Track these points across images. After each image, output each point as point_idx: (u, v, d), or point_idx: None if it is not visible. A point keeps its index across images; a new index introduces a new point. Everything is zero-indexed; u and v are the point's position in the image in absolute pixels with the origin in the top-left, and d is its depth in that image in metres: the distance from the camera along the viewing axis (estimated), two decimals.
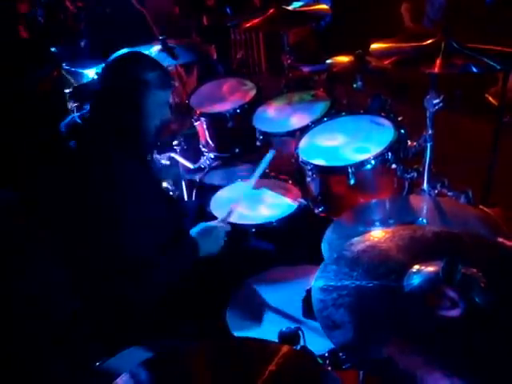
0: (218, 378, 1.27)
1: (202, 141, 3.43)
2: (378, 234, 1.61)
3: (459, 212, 2.26)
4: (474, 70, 1.95)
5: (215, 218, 2.48)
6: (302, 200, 2.64)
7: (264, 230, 2.52)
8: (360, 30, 4.38)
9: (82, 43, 4.57)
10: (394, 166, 2.47)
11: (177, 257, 2.10)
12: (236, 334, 1.87)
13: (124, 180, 1.96)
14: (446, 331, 1.23)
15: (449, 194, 2.43)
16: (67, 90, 3.31)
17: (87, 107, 2.11)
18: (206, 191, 2.94)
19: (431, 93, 2.18)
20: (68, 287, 2.16)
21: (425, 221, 2.19)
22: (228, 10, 5.30)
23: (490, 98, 3.75)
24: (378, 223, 2.23)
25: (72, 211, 1.99)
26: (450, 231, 1.65)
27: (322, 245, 2.14)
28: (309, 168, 2.54)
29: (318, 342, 1.61)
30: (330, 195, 2.58)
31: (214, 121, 3.32)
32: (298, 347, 1.55)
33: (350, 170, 2.41)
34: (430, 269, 1.35)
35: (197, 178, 3.33)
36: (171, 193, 3.19)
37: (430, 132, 2.27)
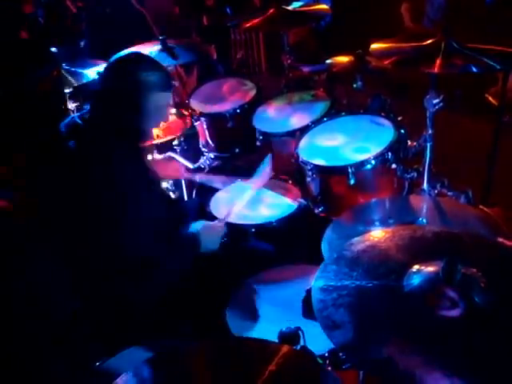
0: (218, 378, 1.27)
1: (202, 141, 3.44)
2: (377, 233, 1.61)
3: (459, 212, 2.26)
4: (474, 70, 1.95)
5: (215, 217, 2.48)
6: (302, 200, 2.64)
7: (264, 230, 2.52)
8: (360, 30, 4.38)
9: (82, 43, 4.57)
10: (394, 165, 2.47)
11: (177, 256, 2.10)
12: (236, 333, 1.87)
13: (124, 180, 1.97)
14: (446, 331, 1.23)
15: (449, 193, 2.43)
16: (67, 90, 3.31)
17: (87, 107, 2.12)
18: (206, 191, 2.93)
19: (431, 93, 2.18)
20: (68, 287, 2.16)
21: (425, 221, 2.19)
22: (228, 10, 5.30)
23: (490, 98, 3.76)
24: (377, 223, 2.23)
25: (72, 211, 1.99)
26: (449, 231, 1.65)
27: (322, 245, 2.14)
28: (309, 168, 2.54)
29: (317, 342, 1.61)
30: (330, 195, 2.58)
31: (214, 121, 3.32)
32: (298, 347, 1.56)
33: (350, 170, 2.41)
34: (430, 269, 1.35)
35: (197, 177, 3.33)
36: (171, 193, 3.19)
37: (429, 132, 2.27)
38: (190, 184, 3.37)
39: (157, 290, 2.05)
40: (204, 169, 3.38)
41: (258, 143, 3.01)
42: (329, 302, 1.35)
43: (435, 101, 2.18)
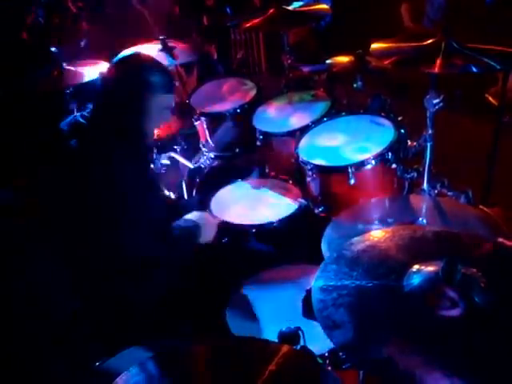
0: (218, 378, 1.27)
1: (203, 140, 3.44)
2: (377, 233, 1.60)
3: (459, 212, 2.26)
4: (474, 70, 1.94)
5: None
6: (303, 200, 2.64)
7: (264, 230, 2.52)
8: (360, 30, 4.38)
9: (82, 43, 4.57)
10: (394, 165, 2.47)
11: (175, 252, 2.10)
12: (236, 333, 1.87)
13: (124, 180, 1.97)
14: (446, 331, 1.23)
15: (449, 193, 2.43)
16: (67, 90, 3.31)
17: (90, 107, 2.11)
18: (207, 190, 2.94)
19: (431, 93, 2.18)
20: (68, 287, 2.16)
21: (425, 221, 2.19)
22: (228, 10, 5.30)
23: (490, 98, 3.76)
24: (377, 223, 2.23)
25: (72, 211, 1.99)
26: (449, 231, 1.65)
27: (322, 244, 2.14)
28: (309, 168, 2.54)
29: (317, 342, 1.61)
30: (330, 195, 2.58)
31: (214, 120, 3.32)
32: (298, 347, 1.56)
33: (350, 170, 2.41)
34: (430, 269, 1.35)
35: (197, 177, 3.34)
36: (171, 193, 3.19)
37: (429, 132, 2.26)
38: (190, 184, 3.38)
39: (157, 289, 2.05)
40: (204, 168, 3.38)
41: (258, 143, 3.01)
42: (329, 301, 1.35)
43: (435, 101, 2.18)
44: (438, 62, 1.99)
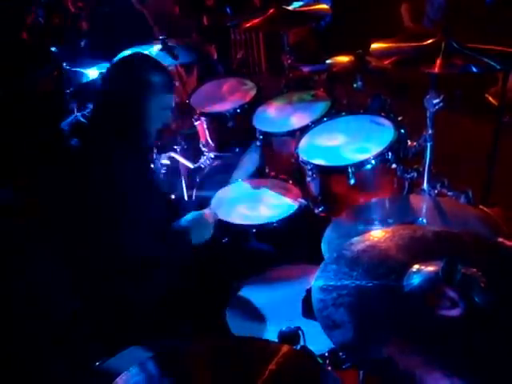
0: (218, 377, 1.27)
1: (202, 140, 3.44)
2: (377, 233, 1.60)
3: (459, 212, 2.26)
4: (474, 70, 1.94)
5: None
6: (303, 200, 2.64)
7: (264, 230, 2.52)
8: (360, 30, 4.38)
9: (82, 43, 4.57)
10: (394, 165, 2.47)
11: (174, 252, 2.10)
12: (236, 333, 1.87)
13: (124, 180, 1.97)
14: (446, 331, 1.23)
15: (449, 193, 2.43)
16: (68, 90, 3.31)
17: (90, 106, 2.12)
18: (206, 190, 2.94)
19: (431, 93, 2.18)
20: (68, 287, 2.16)
21: (425, 221, 2.19)
22: (228, 9, 5.31)
23: (490, 98, 3.76)
24: (377, 223, 2.23)
25: (72, 211, 1.99)
26: (449, 231, 1.65)
27: (322, 244, 2.14)
28: (309, 168, 2.54)
29: (317, 342, 1.61)
30: (330, 195, 2.58)
31: (214, 120, 3.32)
32: (298, 347, 1.56)
33: (350, 170, 2.41)
34: (430, 269, 1.35)
35: (197, 177, 3.34)
36: (171, 193, 3.19)
37: (429, 132, 2.27)
38: (190, 184, 3.38)
39: (157, 289, 2.05)
40: (204, 168, 3.38)
41: (258, 143, 3.01)
42: (329, 301, 1.35)
43: (435, 101, 2.18)
44: (438, 62, 1.99)
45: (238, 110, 3.22)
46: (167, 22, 4.80)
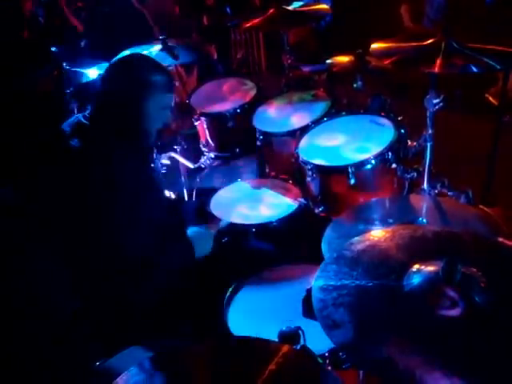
0: (217, 377, 1.27)
1: (203, 140, 3.44)
2: (378, 233, 1.60)
3: (459, 212, 2.26)
4: (474, 69, 1.94)
5: (215, 217, 2.49)
6: (303, 200, 2.64)
7: (264, 229, 2.52)
8: (360, 30, 4.39)
9: (82, 43, 4.57)
10: (394, 165, 2.47)
11: (176, 256, 2.10)
12: (236, 333, 1.87)
13: (124, 180, 1.97)
14: (446, 331, 1.23)
15: (449, 193, 2.43)
16: (68, 90, 3.31)
17: (90, 106, 2.11)
18: (207, 191, 2.94)
19: (431, 93, 2.18)
20: (68, 287, 2.16)
21: (425, 220, 2.19)
22: (228, 9, 5.31)
23: (490, 98, 3.76)
24: (377, 223, 2.23)
25: (72, 211, 1.99)
26: (449, 231, 1.65)
27: (322, 244, 2.14)
28: (309, 168, 2.54)
29: (318, 342, 1.61)
30: (330, 195, 2.58)
31: (215, 120, 3.32)
32: (298, 347, 1.55)
33: (350, 170, 2.41)
34: (430, 268, 1.35)
35: (197, 177, 3.34)
36: (171, 193, 3.19)
37: (429, 132, 2.27)
38: (190, 184, 3.38)
39: (157, 290, 2.05)
40: (204, 168, 3.38)
41: (258, 143, 3.01)
42: (329, 301, 1.35)
43: (435, 101, 2.18)
44: (438, 61, 1.99)
45: (238, 110, 3.22)
46: (167, 21, 4.81)
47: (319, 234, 2.20)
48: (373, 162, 2.43)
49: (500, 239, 1.87)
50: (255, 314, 1.98)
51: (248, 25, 3.36)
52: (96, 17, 4.64)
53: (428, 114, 2.23)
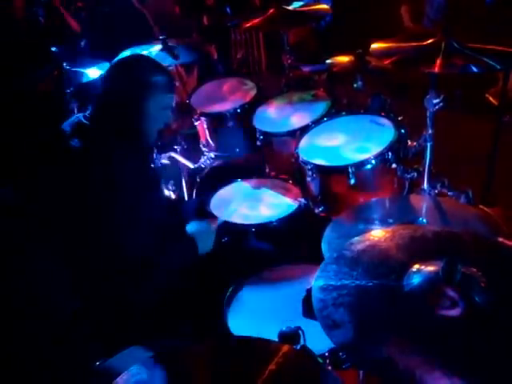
0: (217, 377, 1.27)
1: (203, 140, 3.44)
2: (378, 233, 1.60)
3: (459, 212, 2.25)
4: (475, 69, 1.94)
5: (215, 217, 2.49)
6: (303, 200, 2.64)
7: (264, 229, 2.52)
8: (360, 30, 4.39)
9: (82, 43, 4.57)
10: (394, 165, 2.47)
11: (176, 256, 2.10)
12: (236, 333, 1.87)
13: (124, 180, 1.96)
14: (446, 331, 1.23)
15: (449, 193, 2.43)
16: (68, 90, 3.31)
17: (91, 107, 2.11)
18: (207, 191, 2.94)
19: (431, 93, 2.18)
20: (68, 287, 2.16)
21: (425, 220, 2.19)
22: (228, 9, 5.31)
23: (490, 98, 3.76)
24: (378, 223, 2.23)
25: (72, 211, 1.99)
26: (449, 231, 1.64)
27: (322, 244, 2.14)
28: (309, 168, 2.54)
29: (318, 342, 1.61)
30: (330, 195, 2.58)
31: (215, 120, 3.32)
32: (298, 347, 1.55)
33: (350, 170, 2.41)
34: (430, 268, 1.35)
35: (197, 177, 3.34)
36: (172, 193, 3.19)
37: (430, 132, 2.27)
38: (191, 184, 3.38)
39: (157, 290, 2.05)
40: (204, 168, 3.38)
41: (258, 143, 3.01)
42: (329, 301, 1.35)
43: (435, 101, 2.18)
44: (438, 61, 1.99)
45: (238, 110, 3.22)
46: (167, 21, 4.81)
47: (319, 234, 2.20)
48: (373, 161, 2.43)
49: (500, 239, 1.86)
50: (255, 313, 1.98)
51: (248, 25, 3.36)
52: (96, 17, 4.64)
53: (428, 114, 2.23)
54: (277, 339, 1.56)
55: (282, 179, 2.89)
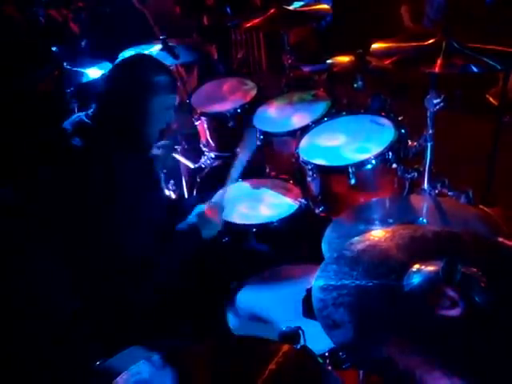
0: (218, 377, 1.27)
1: (203, 140, 3.44)
2: (378, 233, 1.60)
3: (459, 212, 2.25)
4: (475, 69, 1.94)
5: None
6: (303, 200, 2.64)
7: (265, 229, 2.51)
8: (360, 30, 4.39)
9: (83, 43, 4.57)
10: (394, 165, 2.47)
11: (175, 254, 2.10)
12: (236, 333, 1.87)
13: (124, 180, 1.96)
14: (446, 331, 1.23)
15: (449, 193, 2.43)
16: (68, 90, 3.32)
17: (93, 106, 2.11)
18: (207, 191, 2.93)
19: (431, 93, 2.18)
20: (68, 287, 2.16)
21: (425, 220, 2.19)
22: (228, 9, 5.30)
23: (491, 98, 3.75)
24: (378, 223, 2.23)
25: (72, 211, 1.99)
26: (449, 231, 1.64)
27: (323, 244, 2.14)
28: (309, 168, 2.54)
29: (318, 342, 1.61)
30: (331, 195, 2.58)
31: (215, 120, 3.32)
32: (299, 346, 1.55)
33: (350, 170, 2.41)
34: (430, 268, 1.35)
35: (197, 177, 3.34)
36: (172, 192, 3.19)
37: (430, 132, 2.27)
38: (191, 184, 3.38)
39: (157, 290, 2.05)
40: (205, 168, 3.38)
41: (258, 143, 3.01)
42: (329, 301, 1.35)
43: (436, 101, 2.18)
44: (439, 61, 1.99)
45: (239, 110, 3.22)
46: (168, 21, 4.80)
47: (319, 234, 2.20)
48: (373, 162, 2.43)
49: (500, 239, 1.86)
50: (255, 313, 1.98)
51: (248, 25, 3.36)
52: (96, 17, 4.64)
53: (428, 114, 2.23)
54: (277, 339, 1.57)
55: (282, 179, 2.88)
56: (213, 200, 2.34)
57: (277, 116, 3.12)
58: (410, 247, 1.49)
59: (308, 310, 1.74)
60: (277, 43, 3.67)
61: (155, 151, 2.57)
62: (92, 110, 2.09)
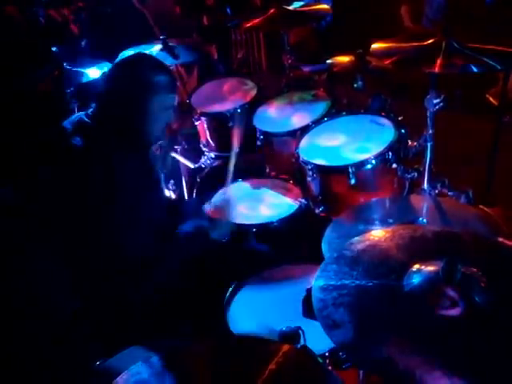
0: (218, 378, 1.27)
1: (203, 140, 3.44)
2: (378, 233, 1.60)
3: (459, 212, 2.25)
4: (475, 69, 1.94)
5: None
6: (303, 200, 2.64)
7: (265, 229, 2.51)
8: (360, 30, 4.39)
9: (83, 43, 4.57)
10: (394, 165, 2.47)
11: (176, 255, 2.10)
12: (236, 333, 1.87)
13: (124, 180, 1.97)
14: (446, 331, 1.23)
15: (449, 193, 2.43)
16: (68, 90, 3.32)
17: (93, 106, 2.11)
18: (207, 191, 2.93)
19: (431, 93, 2.18)
20: (68, 287, 2.16)
21: (425, 220, 2.19)
22: (228, 9, 5.30)
23: (491, 98, 3.75)
24: (378, 223, 2.23)
25: (72, 211, 1.99)
26: (449, 231, 1.64)
27: (323, 244, 2.14)
28: (309, 168, 2.54)
29: (318, 342, 1.61)
30: (331, 195, 2.58)
31: (215, 120, 3.32)
32: (299, 346, 1.55)
33: (350, 170, 2.41)
34: (430, 268, 1.35)
35: (197, 177, 3.34)
36: (172, 192, 3.19)
37: (430, 132, 2.27)
38: (191, 184, 3.38)
39: (157, 290, 2.05)
40: (205, 168, 3.38)
41: (258, 143, 3.01)
42: (329, 301, 1.35)
43: (436, 101, 2.18)
44: (439, 61, 1.99)
45: (239, 110, 3.22)
46: (168, 21, 4.80)
47: (319, 234, 2.20)
48: (373, 161, 2.43)
49: (500, 239, 1.86)
50: (255, 313, 1.98)
51: (248, 25, 3.36)
52: (97, 17, 4.64)
53: (428, 114, 2.23)
54: (277, 339, 1.57)
55: (282, 179, 2.88)
56: (213, 200, 2.34)
57: (277, 116, 3.12)
58: (410, 247, 1.49)
59: (308, 310, 1.74)
60: (277, 43, 3.67)
61: (155, 151, 2.57)
62: (92, 109, 2.09)
